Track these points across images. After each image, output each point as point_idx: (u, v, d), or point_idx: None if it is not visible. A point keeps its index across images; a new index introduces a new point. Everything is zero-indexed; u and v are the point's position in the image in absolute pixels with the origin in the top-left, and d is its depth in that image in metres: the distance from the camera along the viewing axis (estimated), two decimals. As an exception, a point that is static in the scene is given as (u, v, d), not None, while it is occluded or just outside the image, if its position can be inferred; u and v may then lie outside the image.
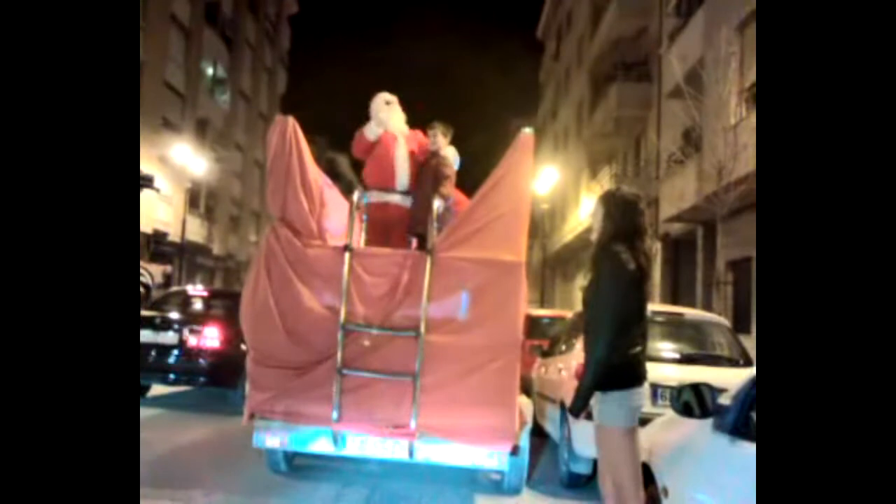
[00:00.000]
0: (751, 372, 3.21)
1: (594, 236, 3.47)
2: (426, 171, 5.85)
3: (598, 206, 3.48)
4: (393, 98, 6.01)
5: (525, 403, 5.32)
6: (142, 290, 9.18)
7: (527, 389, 6.85)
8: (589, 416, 3.37)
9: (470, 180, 5.96)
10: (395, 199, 5.86)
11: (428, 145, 6.01)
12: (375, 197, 5.83)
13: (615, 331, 3.15)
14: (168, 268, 9.44)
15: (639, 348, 3.28)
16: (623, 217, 3.35)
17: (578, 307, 4.41)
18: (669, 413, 3.77)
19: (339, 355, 4.46)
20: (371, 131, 5.85)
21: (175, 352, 8.48)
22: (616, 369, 3.22)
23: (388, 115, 5.91)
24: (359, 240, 5.30)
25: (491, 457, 4.56)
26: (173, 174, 23.21)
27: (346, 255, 4.58)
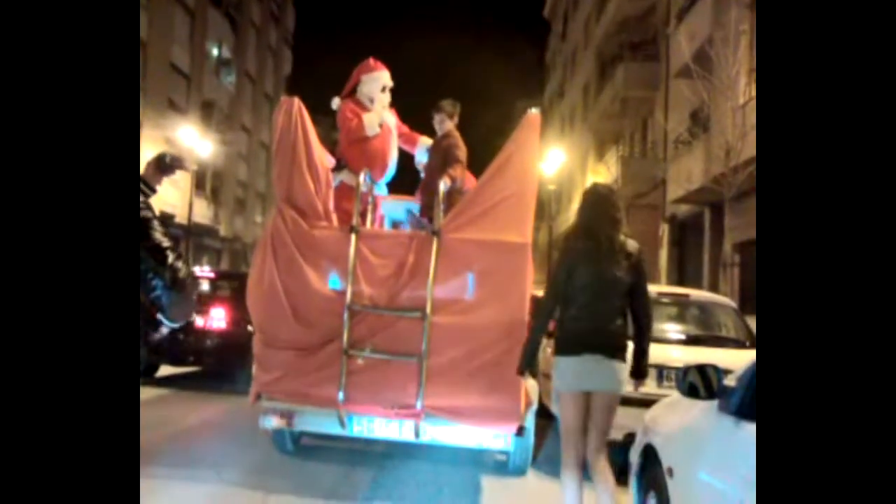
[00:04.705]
0: (757, 353, 3.22)
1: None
2: (436, 151, 5.74)
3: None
4: (390, 82, 5.80)
5: (530, 384, 5.33)
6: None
7: (532, 370, 6.86)
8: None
9: (477, 162, 5.89)
10: (374, 190, 5.78)
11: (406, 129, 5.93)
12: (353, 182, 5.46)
13: (543, 302, 3.80)
14: None
15: (574, 325, 3.71)
16: (590, 209, 3.83)
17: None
18: (674, 394, 3.77)
19: (345, 336, 4.47)
20: (372, 128, 5.62)
21: (182, 332, 8.53)
22: (557, 339, 3.77)
23: (383, 104, 5.73)
24: (366, 221, 5.25)
25: (496, 437, 4.59)
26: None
27: (352, 236, 4.58)
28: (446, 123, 5.70)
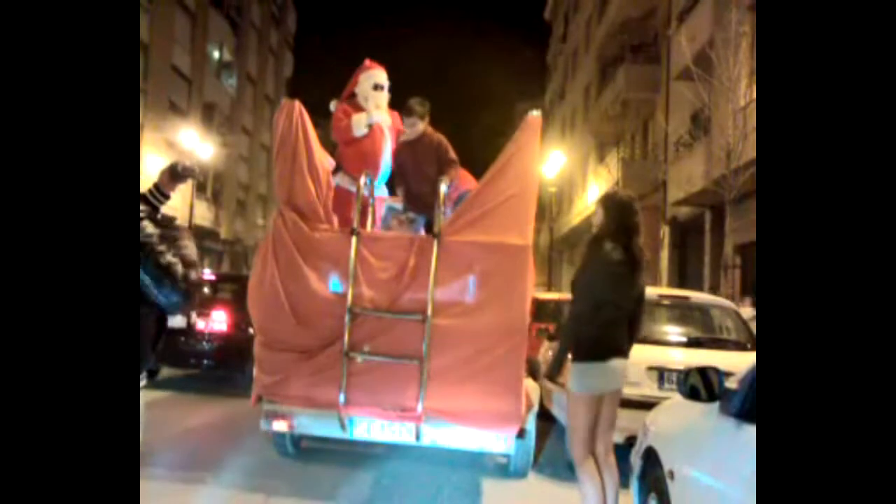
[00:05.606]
0: (758, 356, 3.22)
1: (594, 231, 4.00)
2: (423, 152, 5.58)
3: (598, 207, 3.99)
4: (384, 80, 5.73)
5: (531, 387, 5.33)
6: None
7: (533, 373, 6.87)
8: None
9: (477, 163, 5.85)
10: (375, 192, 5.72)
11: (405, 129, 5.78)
12: (349, 185, 5.41)
13: (583, 308, 3.76)
14: None
15: (606, 330, 3.74)
16: (617, 216, 3.86)
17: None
18: (676, 397, 3.77)
19: (345, 339, 4.47)
20: (359, 128, 5.55)
21: (183, 335, 8.52)
22: (580, 343, 3.77)
23: (376, 103, 5.65)
24: (367, 223, 5.22)
25: (497, 440, 4.58)
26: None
27: (353, 238, 4.57)
28: (419, 126, 5.56)
